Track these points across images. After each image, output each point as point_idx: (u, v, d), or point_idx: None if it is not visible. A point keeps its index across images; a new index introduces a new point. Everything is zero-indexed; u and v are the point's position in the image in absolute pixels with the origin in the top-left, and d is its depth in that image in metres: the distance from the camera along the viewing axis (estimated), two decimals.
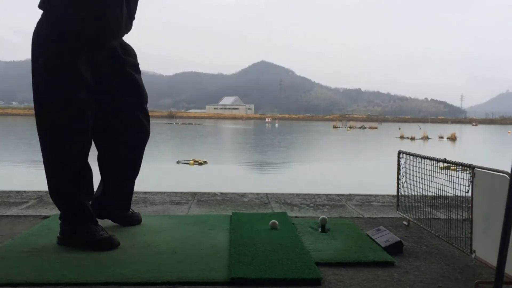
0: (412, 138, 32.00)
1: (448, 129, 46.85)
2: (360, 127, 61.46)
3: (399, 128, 48.26)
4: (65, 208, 2.21)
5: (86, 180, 2.29)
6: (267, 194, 3.69)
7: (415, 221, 2.63)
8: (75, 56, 2.13)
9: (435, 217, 2.46)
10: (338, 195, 3.69)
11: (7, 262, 1.91)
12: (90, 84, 2.20)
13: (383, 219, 2.89)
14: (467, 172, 2.00)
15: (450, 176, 2.16)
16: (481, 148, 26.31)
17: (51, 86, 2.12)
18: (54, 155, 2.18)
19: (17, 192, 3.54)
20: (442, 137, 34.17)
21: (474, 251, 1.95)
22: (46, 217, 2.74)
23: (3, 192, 3.53)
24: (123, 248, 2.12)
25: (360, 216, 2.99)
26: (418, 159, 2.52)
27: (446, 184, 2.19)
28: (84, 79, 2.16)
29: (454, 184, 2.11)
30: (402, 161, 2.74)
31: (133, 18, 2.40)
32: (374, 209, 3.22)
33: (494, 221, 1.77)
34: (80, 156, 2.21)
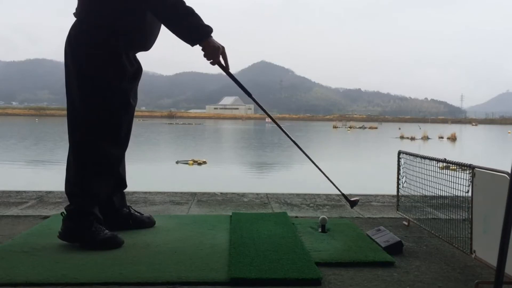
0: (412, 138, 32.01)
1: (448, 129, 46.85)
2: (360, 127, 61.49)
3: (399, 128, 48.29)
4: (79, 203, 2.20)
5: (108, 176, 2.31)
6: (267, 194, 3.69)
7: (415, 221, 2.63)
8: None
9: (435, 217, 2.46)
10: (338, 195, 3.69)
11: (7, 262, 1.91)
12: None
13: (383, 219, 2.89)
14: (467, 172, 2.00)
15: (450, 176, 2.16)
16: (481, 148, 26.30)
17: None
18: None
19: (17, 192, 3.54)
20: (442, 137, 34.19)
21: (474, 251, 1.95)
22: (46, 217, 2.74)
23: (3, 192, 3.53)
24: (123, 248, 2.12)
25: (360, 216, 2.99)
26: (418, 159, 2.52)
27: (446, 184, 2.19)
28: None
29: (454, 184, 2.11)
30: (402, 161, 2.73)
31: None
32: (374, 209, 3.22)
33: (494, 221, 1.77)
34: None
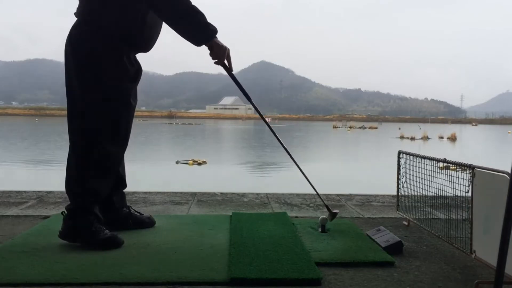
0: (412, 138, 32.01)
1: (448, 129, 46.88)
2: (360, 127, 61.51)
3: (399, 128, 48.31)
4: (79, 202, 2.20)
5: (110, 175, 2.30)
6: (267, 194, 3.69)
7: (415, 221, 2.63)
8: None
9: (435, 217, 2.46)
10: (338, 195, 3.69)
11: (7, 262, 1.91)
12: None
13: (383, 219, 2.89)
14: (467, 172, 2.00)
15: (450, 176, 2.16)
16: (481, 148, 26.30)
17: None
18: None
19: (17, 192, 3.54)
20: (442, 137, 34.20)
21: (474, 251, 1.95)
22: (46, 217, 2.74)
23: (3, 192, 3.53)
24: (123, 248, 2.12)
25: (360, 216, 2.99)
26: (418, 159, 2.52)
27: (446, 184, 2.19)
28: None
29: (454, 184, 2.11)
30: (402, 161, 2.73)
31: None
32: (374, 209, 3.21)
33: (494, 221, 1.77)
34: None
